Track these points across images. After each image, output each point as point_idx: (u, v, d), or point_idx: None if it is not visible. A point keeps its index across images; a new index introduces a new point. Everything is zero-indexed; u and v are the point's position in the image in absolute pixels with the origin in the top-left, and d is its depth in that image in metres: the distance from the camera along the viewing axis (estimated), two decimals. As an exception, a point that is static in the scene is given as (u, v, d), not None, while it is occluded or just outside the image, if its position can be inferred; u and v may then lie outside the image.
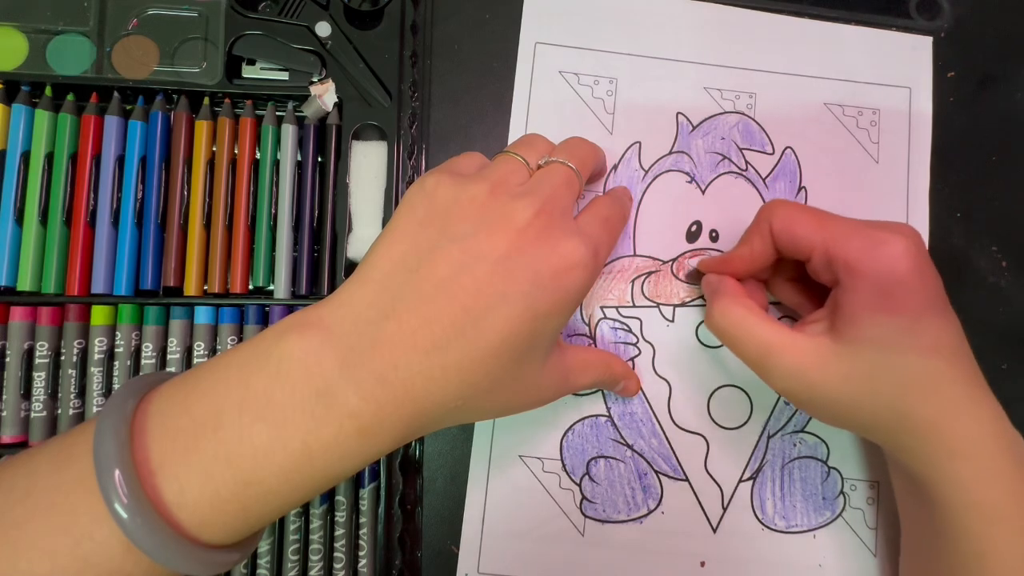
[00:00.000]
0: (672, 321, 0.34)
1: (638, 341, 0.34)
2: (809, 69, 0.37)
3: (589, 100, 0.36)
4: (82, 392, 0.31)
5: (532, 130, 0.35)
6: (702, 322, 0.34)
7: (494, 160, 0.27)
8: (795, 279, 0.32)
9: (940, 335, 0.26)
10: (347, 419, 0.21)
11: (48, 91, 0.32)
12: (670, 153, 0.36)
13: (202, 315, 0.32)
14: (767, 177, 0.36)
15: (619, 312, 0.34)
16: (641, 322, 0.34)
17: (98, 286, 0.31)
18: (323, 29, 0.33)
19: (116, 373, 0.31)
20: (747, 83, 0.36)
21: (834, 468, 0.34)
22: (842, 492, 0.34)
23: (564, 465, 0.33)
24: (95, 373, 0.31)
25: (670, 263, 0.35)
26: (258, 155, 0.33)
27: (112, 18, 0.33)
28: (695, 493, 0.33)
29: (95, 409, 0.31)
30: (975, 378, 0.26)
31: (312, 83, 0.33)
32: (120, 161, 0.32)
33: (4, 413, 0.31)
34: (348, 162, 0.33)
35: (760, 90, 0.36)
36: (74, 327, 0.31)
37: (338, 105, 0.33)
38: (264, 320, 0.32)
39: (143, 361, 0.32)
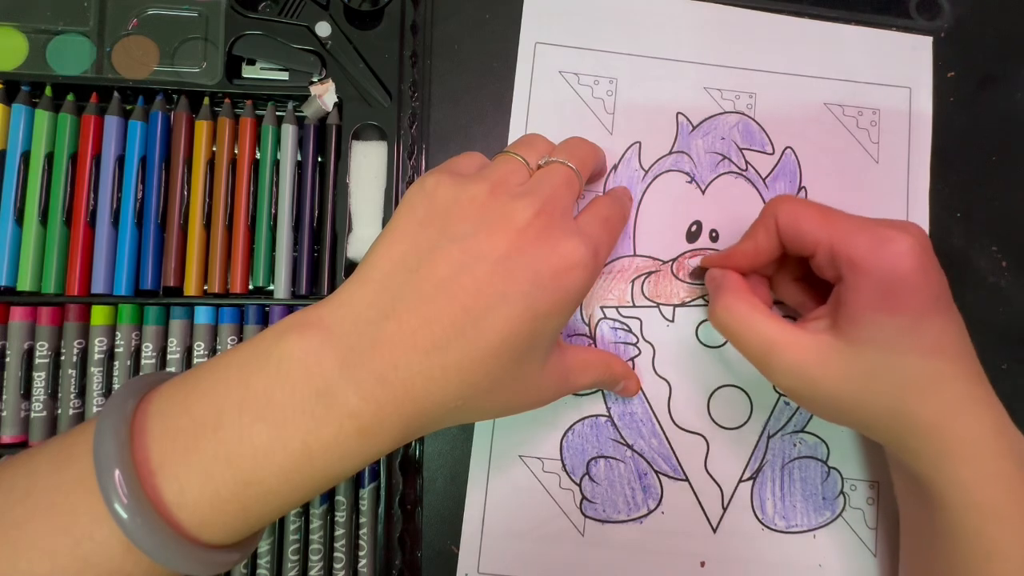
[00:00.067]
0: (672, 321, 0.34)
1: (638, 341, 0.34)
2: (809, 69, 0.37)
3: (589, 100, 0.36)
4: (82, 392, 0.31)
5: (532, 130, 0.35)
6: (702, 322, 0.34)
7: (494, 160, 0.27)
8: (799, 279, 0.32)
9: (943, 335, 0.26)
10: (347, 419, 0.21)
11: (48, 91, 0.32)
12: (670, 153, 0.36)
13: (202, 315, 0.32)
14: (767, 177, 0.36)
15: (619, 312, 0.34)
16: (641, 322, 0.34)
17: (98, 286, 0.31)
18: (323, 29, 0.33)
19: (116, 373, 0.31)
20: (747, 83, 0.36)
21: (834, 468, 0.34)
22: (842, 492, 0.34)
23: (564, 465, 0.33)
24: (95, 373, 0.31)
25: (670, 263, 0.35)
26: (258, 155, 0.33)
27: (112, 18, 0.33)
28: (695, 493, 0.33)
29: (95, 409, 0.31)
30: (977, 378, 0.26)
31: (312, 83, 0.33)
32: (120, 161, 0.32)
33: (4, 413, 0.31)
34: (348, 162, 0.33)
35: (760, 90, 0.36)
36: (74, 327, 0.31)
37: (338, 105, 0.33)
38: (264, 320, 0.32)
39: (143, 361, 0.32)
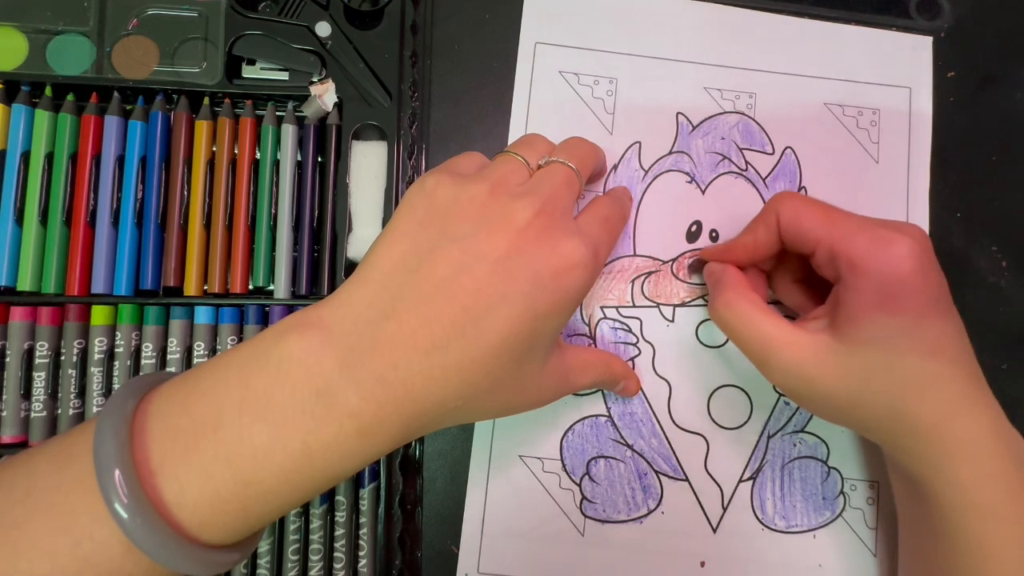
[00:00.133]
0: (672, 321, 0.34)
1: (638, 341, 0.34)
2: (809, 69, 0.37)
3: (589, 100, 0.36)
4: (82, 392, 0.31)
5: (532, 130, 0.35)
6: (702, 322, 0.34)
7: (494, 160, 0.27)
8: (799, 280, 0.32)
9: (941, 337, 0.26)
10: (347, 419, 0.21)
11: (48, 91, 0.32)
12: (670, 153, 0.36)
13: (202, 315, 0.32)
14: (767, 177, 0.36)
15: (619, 312, 0.34)
16: (641, 322, 0.34)
17: (98, 286, 0.31)
18: (323, 29, 0.33)
19: (116, 373, 0.31)
20: (747, 83, 0.36)
21: (834, 468, 0.34)
22: (842, 492, 0.34)
23: (564, 465, 0.33)
24: (95, 373, 0.31)
25: (670, 263, 0.35)
26: (258, 155, 0.33)
27: (112, 18, 0.33)
28: (695, 493, 0.33)
29: (95, 409, 0.31)
30: (975, 380, 0.26)
31: (312, 83, 0.33)
32: (120, 161, 0.32)
33: (4, 413, 0.31)
34: (348, 162, 0.33)
35: (760, 90, 0.36)
36: (74, 327, 0.31)
37: (338, 105, 0.33)
38: (264, 320, 0.32)
39: (143, 361, 0.32)
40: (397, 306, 0.22)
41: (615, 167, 0.35)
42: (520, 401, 0.26)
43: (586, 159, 0.29)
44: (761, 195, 0.36)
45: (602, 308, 0.34)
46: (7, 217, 0.31)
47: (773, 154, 0.36)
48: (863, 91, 0.37)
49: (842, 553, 0.33)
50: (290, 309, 0.32)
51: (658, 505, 0.33)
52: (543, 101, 0.36)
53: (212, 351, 0.32)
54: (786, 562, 0.33)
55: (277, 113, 0.34)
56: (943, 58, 0.37)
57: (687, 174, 0.36)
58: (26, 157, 0.32)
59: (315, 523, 0.31)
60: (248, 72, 0.34)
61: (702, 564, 0.33)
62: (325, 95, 0.33)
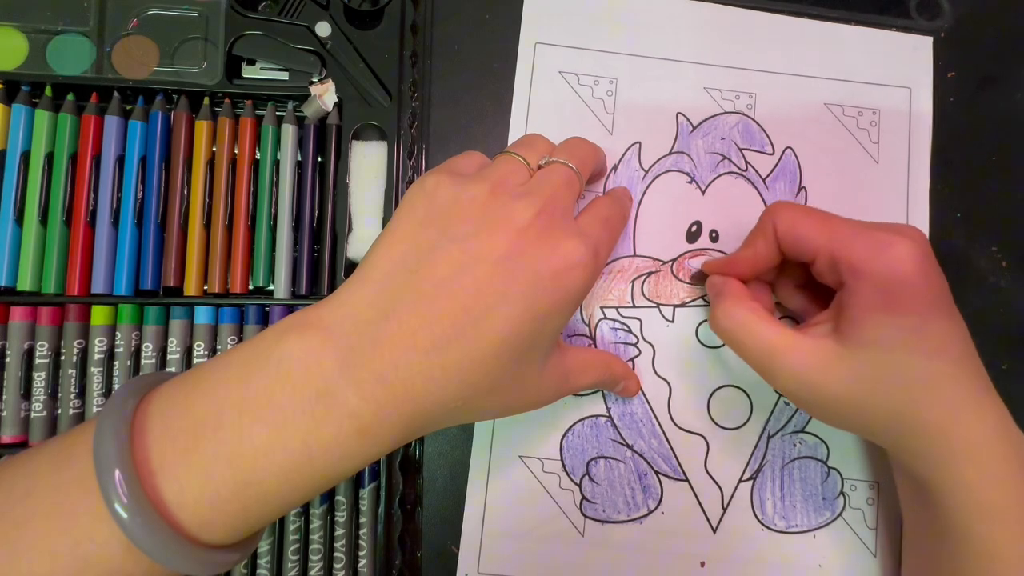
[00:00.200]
0: (672, 321, 0.34)
1: (638, 341, 0.34)
2: (809, 69, 0.37)
3: (589, 100, 0.36)
4: (82, 392, 0.31)
5: (532, 130, 0.35)
6: (702, 322, 0.34)
7: (494, 160, 0.27)
8: (801, 285, 0.32)
9: (945, 337, 0.26)
10: (347, 419, 0.21)
11: (48, 91, 0.32)
12: (670, 153, 0.36)
13: (202, 315, 0.32)
14: (767, 177, 0.36)
15: (619, 312, 0.34)
16: (641, 322, 0.34)
17: (98, 286, 0.31)
18: (323, 29, 0.33)
19: (116, 373, 0.31)
20: (747, 83, 0.36)
21: (834, 468, 0.34)
22: (842, 492, 0.34)
23: (564, 465, 0.33)
24: (95, 373, 0.31)
25: (670, 263, 0.35)
26: (258, 155, 0.33)
27: (112, 18, 0.33)
28: (695, 493, 0.33)
29: (95, 409, 0.31)
30: (980, 380, 0.26)
31: (312, 83, 0.33)
32: (120, 161, 0.32)
33: (4, 413, 0.31)
34: (348, 162, 0.33)
35: (760, 90, 0.36)
36: (74, 327, 0.31)
37: (338, 105, 0.33)
38: (264, 320, 0.32)
39: (143, 361, 0.32)
40: (397, 306, 0.22)
41: (615, 167, 0.35)
42: (520, 401, 0.26)
43: (586, 159, 0.29)
44: (761, 195, 0.36)
45: (602, 308, 0.34)
46: (7, 217, 0.31)
47: (773, 154, 0.36)
48: (863, 91, 0.37)
49: (842, 553, 0.33)
50: (290, 309, 0.32)
51: (658, 505, 0.33)
52: (543, 101, 0.36)
53: (212, 351, 0.32)
54: (786, 562, 0.33)
55: (277, 113, 0.34)
56: (943, 58, 0.37)
57: (687, 174, 0.36)
58: (26, 157, 0.32)
59: (315, 523, 0.31)
60: (248, 72, 0.34)
61: (702, 564, 0.33)
62: (325, 95, 0.33)
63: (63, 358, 0.31)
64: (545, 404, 0.28)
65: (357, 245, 0.33)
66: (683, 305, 0.34)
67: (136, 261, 0.32)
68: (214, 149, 0.33)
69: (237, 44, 0.33)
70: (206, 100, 0.33)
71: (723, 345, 0.34)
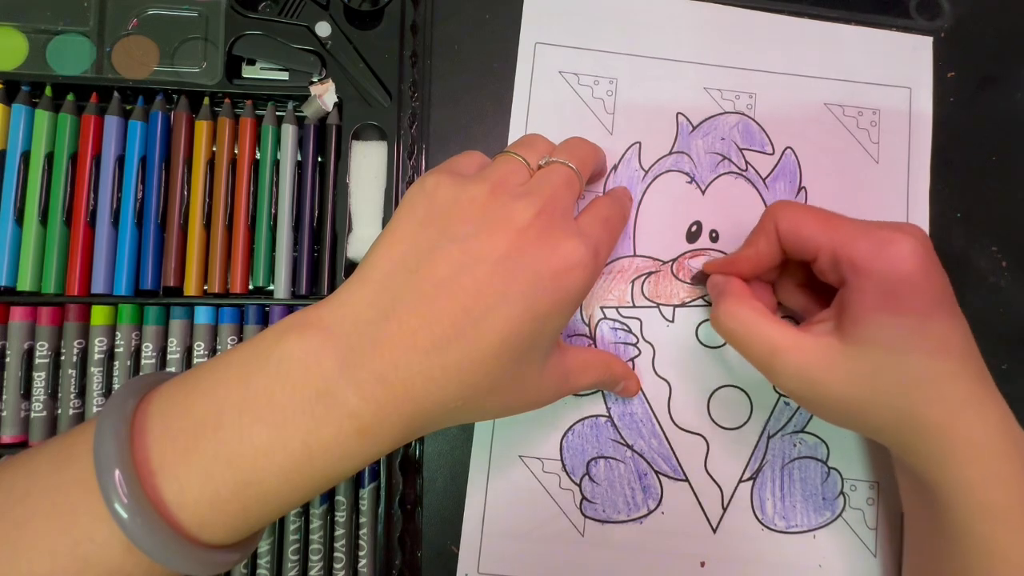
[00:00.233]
0: (672, 321, 0.34)
1: (638, 341, 0.34)
2: (809, 69, 0.37)
3: (589, 100, 0.36)
4: (82, 392, 0.31)
5: (532, 130, 0.35)
6: (702, 322, 0.34)
7: (494, 160, 0.27)
8: (802, 284, 0.32)
9: (946, 336, 0.26)
10: (347, 419, 0.21)
11: (48, 91, 0.32)
12: (670, 153, 0.36)
13: (202, 315, 0.32)
14: (767, 177, 0.36)
15: (619, 312, 0.34)
16: (641, 322, 0.34)
17: (98, 286, 0.31)
18: (323, 29, 0.33)
19: (116, 373, 0.31)
20: (747, 83, 0.36)
21: (834, 468, 0.34)
22: (842, 492, 0.34)
23: (564, 465, 0.33)
24: (95, 373, 0.31)
25: (670, 263, 0.35)
26: (258, 155, 0.33)
27: (112, 18, 0.33)
28: (695, 493, 0.33)
29: (95, 409, 0.31)
30: (982, 379, 0.26)
31: (312, 83, 0.33)
32: (120, 161, 0.32)
33: (4, 413, 0.31)
34: (348, 162, 0.33)
35: (760, 90, 0.36)
36: (74, 327, 0.31)
37: (338, 105, 0.33)
38: (264, 320, 0.32)
39: (143, 361, 0.32)
40: (397, 306, 0.22)
41: (615, 167, 0.35)
42: (520, 401, 0.26)
43: (586, 159, 0.29)
44: (761, 195, 0.36)
45: (602, 308, 0.34)
46: (7, 217, 0.31)
47: (773, 154, 0.36)
48: (863, 91, 0.37)
49: (842, 553, 0.33)
50: (290, 309, 0.32)
51: (658, 505, 0.33)
52: (543, 101, 0.36)
53: (212, 351, 0.32)
54: (786, 562, 0.33)
55: (277, 113, 0.34)
56: (943, 58, 0.37)
57: (687, 174, 0.36)
58: (26, 157, 0.32)
59: (315, 523, 0.31)
60: (248, 72, 0.34)
61: (702, 564, 0.33)
62: (325, 95, 0.33)
63: (63, 358, 0.31)
64: (545, 404, 0.28)
65: (357, 245, 0.33)
66: (683, 305, 0.35)
67: (136, 261, 0.32)
68: (214, 149, 0.33)
69: (237, 44, 0.33)
70: (206, 100, 0.33)
71: (723, 345, 0.34)
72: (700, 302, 0.35)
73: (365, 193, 0.33)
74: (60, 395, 0.31)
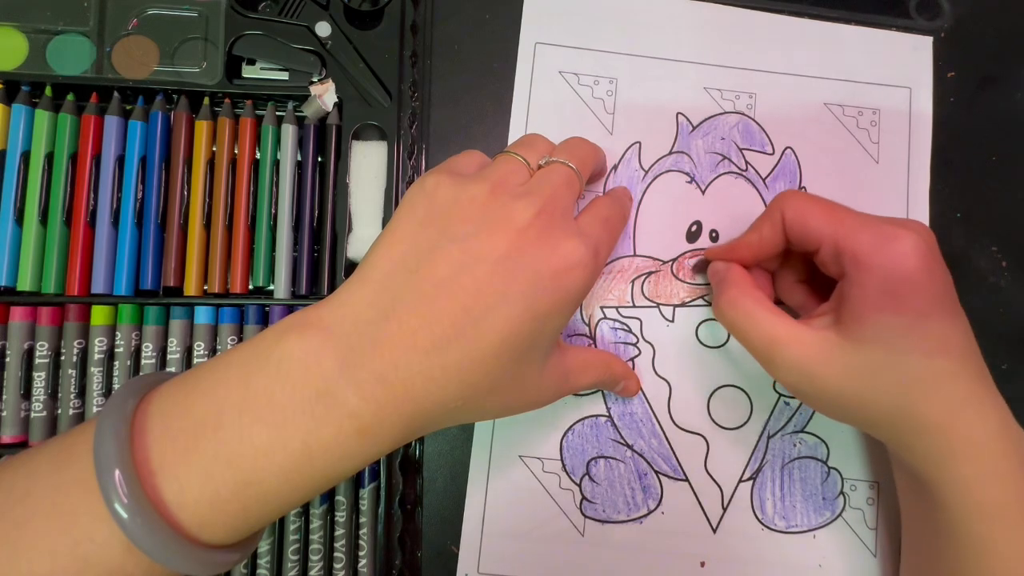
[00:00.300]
0: (672, 321, 0.34)
1: (638, 341, 0.34)
2: (809, 69, 0.37)
3: (589, 100, 0.36)
4: (82, 392, 0.31)
5: (532, 130, 0.35)
6: (702, 322, 0.34)
7: (494, 160, 0.27)
8: (802, 281, 0.32)
9: (947, 335, 0.26)
10: (347, 419, 0.21)
11: (48, 91, 0.32)
12: (670, 153, 0.36)
13: (202, 315, 0.32)
14: (767, 177, 0.36)
15: (619, 312, 0.34)
16: (641, 322, 0.34)
17: (98, 286, 0.31)
18: (323, 29, 0.33)
19: (116, 373, 0.31)
20: (747, 83, 0.36)
21: (834, 468, 0.34)
22: (842, 492, 0.34)
23: (564, 465, 0.33)
24: (95, 373, 0.31)
25: (670, 263, 0.35)
26: (258, 155, 0.33)
27: (112, 18, 0.33)
28: (695, 493, 0.33)
29: (95, 409, 0.31)
30: (982, 378, 0.26)
31: (312, 83, 0.33)
32: (120, 161, 0.32)
33: (4, 413, 0.31)
34: (348, 162, 0.33)
35: (760, 90, 0.36)
36: (74, 327, 0.31)
37: (338, 105, 0.33)
38: (264, 320, 0.32)
39: (143, 361, 0.32)
40: (397, 306, 0.22)
41: (615, 167, 0.35)
42: (520, 401, 0.26)
43: (586, 159, 0.29)
44: (761, 195, 0.36)
45: (602, 308, 0.34)
46: (7, 217, 0.31)
47: (773, 154, 0.36)
48: (863, 91, 0.37)
49: (842, 553, 0.33)
50: (290, 309, 0.32)
51: (658, 505, 0.33)
52: (543, 101, 0.36)
53: (212, 351, 0.32)
54: (786, 562, 0.33)
55: (277, 113, 0.34)
56: (943, 58, 0.37)
57: (687, 174, 0.36)
58: (26, 157, 0.32)
59: (315, 523, 0.31)
60: (248, 72, 0.34)
61: (702, 564, 0.33)
62: (325, 95, 0.33)
63: (63, 358, 0.31)
64: (545, 404, 0.28)
65: (357, 245, 0.33)
66: (683, 305, 0.35)
67: (136, 261, 0.32)
68: (214, 149, 0.33)
69: (237, 44, 0.33)
70: (206, 100, 0.33)
71: (723, 345, 0.34)
72: (700, 302, 0.35)
73: (365, 193, 0.33)
74: (60, 395, 0.31)
